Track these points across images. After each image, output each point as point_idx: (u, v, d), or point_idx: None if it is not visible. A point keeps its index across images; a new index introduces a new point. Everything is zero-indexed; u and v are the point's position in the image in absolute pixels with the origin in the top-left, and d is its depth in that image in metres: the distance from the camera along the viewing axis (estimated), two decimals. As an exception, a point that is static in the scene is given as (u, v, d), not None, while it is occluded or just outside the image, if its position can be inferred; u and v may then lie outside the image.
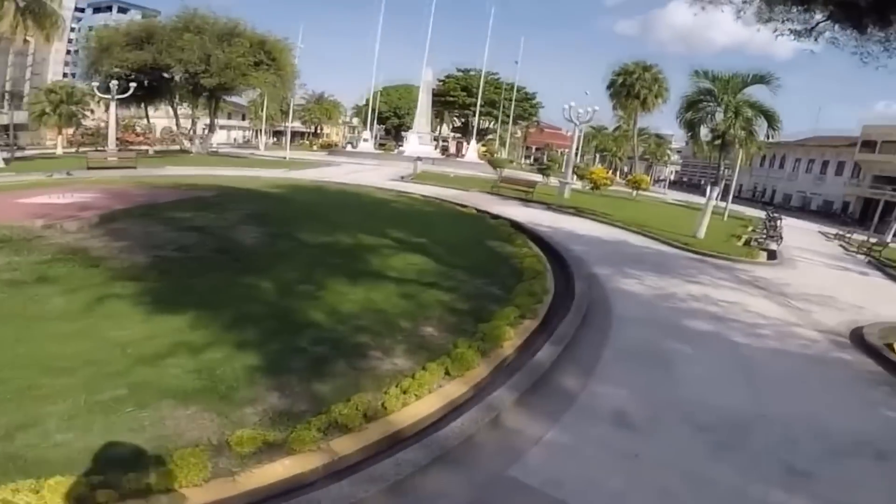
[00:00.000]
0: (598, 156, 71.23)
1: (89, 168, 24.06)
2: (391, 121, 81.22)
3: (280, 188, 19.53)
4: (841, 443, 5.14)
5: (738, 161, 30.88)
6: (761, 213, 31.26)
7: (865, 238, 28.44)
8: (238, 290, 7.85)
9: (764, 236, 21.33)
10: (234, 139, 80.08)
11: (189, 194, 15.59)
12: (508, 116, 61.12)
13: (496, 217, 17.25)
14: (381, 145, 70.54)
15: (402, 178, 30.44)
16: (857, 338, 8.73)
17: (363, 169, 36.20)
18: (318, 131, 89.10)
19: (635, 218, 21.28)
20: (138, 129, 44.98)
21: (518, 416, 5.21)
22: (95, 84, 35.76)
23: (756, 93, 16.78)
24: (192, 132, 48.23)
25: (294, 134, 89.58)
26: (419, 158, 36.05)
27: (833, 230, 33.13)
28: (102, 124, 45.64)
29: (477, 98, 55.64)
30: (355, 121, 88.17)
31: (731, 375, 6.67)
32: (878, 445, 5.15)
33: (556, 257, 12.40)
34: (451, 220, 16.30)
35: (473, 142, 55.56)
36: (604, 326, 7.96)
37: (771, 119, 16.37)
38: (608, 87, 44.82)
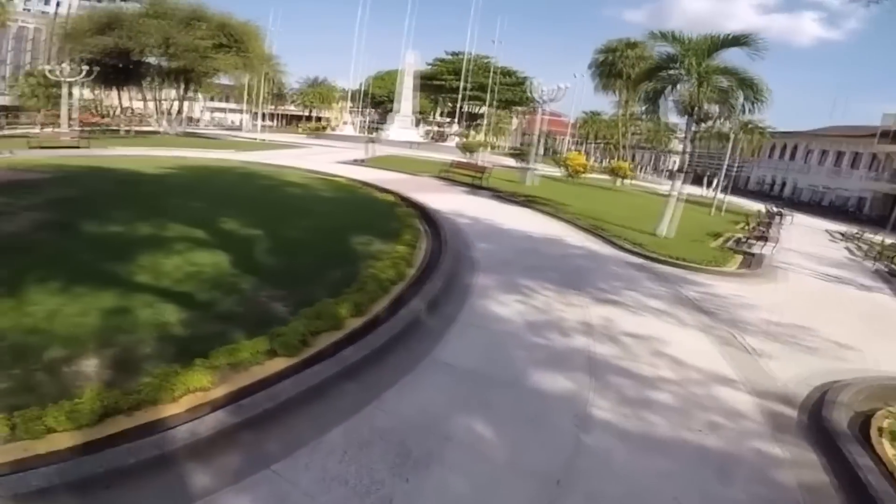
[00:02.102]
0: (594, 143, 67.16)
1: (30, 148, 21.98)
2: (385, 105, 78.22)
3: (169, 169, 16.78)
4: None
5: (730, 146, 27.45)
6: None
7: (881, 239, 24.86)
8: None
9: (748, 236, 17.99)
10: (232, 122, 77.53)
11: (18, 177, 12.91)
12: (498, 101, 57.34)
13: (412, 205, 14.26)
14: (376, 129, 67.71)
15: (356, 161, 27.42)
16: (814, 410, 5.55)
17: (324, 152, 33.30)
18: (311, 115, 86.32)
19: (597, 210, 18.08)
20: (92, 111, 43.70)
21: None
22: (48, 68, 35.53)
23: (743, 63, 13.23)
24: (162, 114, 46.21)
25: (293, 118, 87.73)
26: (372, 141, 32.95)
27: (843, 229, 29.50)
28: (80, 105, 46.99)
29: (465, 81, 52.09)
30: (342, 105, 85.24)
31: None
32: None
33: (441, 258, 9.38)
34: (342, 209, 13.25)
35: (456, 126, 52.14)
36: (361, 398, 4.82)
37: (752, 89, 12.93)
38: (589, 67, 40.77)
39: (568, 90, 26.12)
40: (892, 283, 14.94)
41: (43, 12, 55.34)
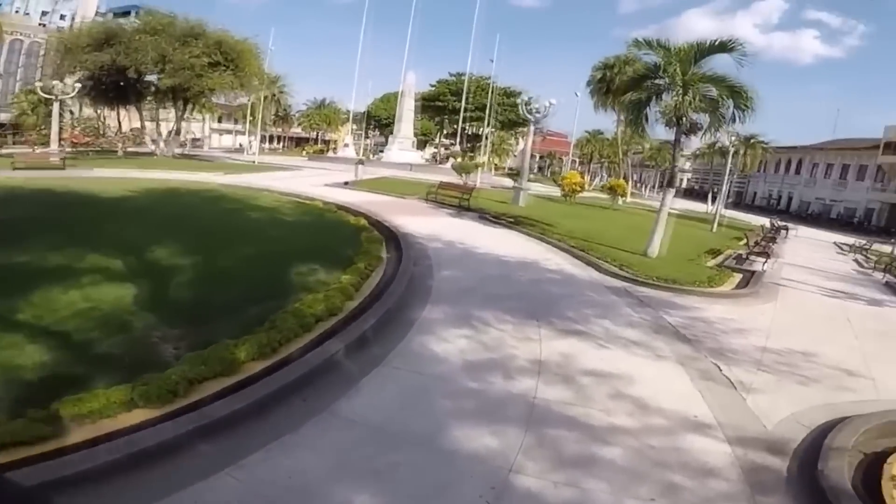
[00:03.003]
0: (599, 163, 66.22)
1: (14, 169, 21.66)
2: (390, 127, 78.17)
3: (132, 192, 16.20)
4: None
5: (728, 160, 26.46)
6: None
7: (890, 249, 23.62)
8: None
9: (748, 252, 16.90)
10: (240, 144, 76.95)
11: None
12: (500, 121, 56.77)
13: (382, 229, 13.44)
14: (379, 151, 67.48)
15: (345, 183, 26.76)
16: (809, 460, 4.52)
17: (317, 174, 32.68)
18: (318, 137, 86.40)
19: (588, 230, 17.10)
20: (75, 131, 42.79)
21: None
22: (39, 85, 34.84)
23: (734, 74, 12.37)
24: (160, 134, 45.78)
25: (300, 140, 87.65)
26: (361, 162, 32.35)
27: (851, 240, 28.31)
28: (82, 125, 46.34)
29: (466, 102, 51.67)
30: (348, 127, 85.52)
31: None
32: None
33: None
34: (300, 234, 12.29)
35: (457, 148, 51.64)
36: (213, 463, 3.89)
37: (737, 96, 12.06)
38: (588, 84, 39.90)
39: (570, 108, 25.64)
40: (905, 297, 13.77)
41: (59, 28, 53.22)
